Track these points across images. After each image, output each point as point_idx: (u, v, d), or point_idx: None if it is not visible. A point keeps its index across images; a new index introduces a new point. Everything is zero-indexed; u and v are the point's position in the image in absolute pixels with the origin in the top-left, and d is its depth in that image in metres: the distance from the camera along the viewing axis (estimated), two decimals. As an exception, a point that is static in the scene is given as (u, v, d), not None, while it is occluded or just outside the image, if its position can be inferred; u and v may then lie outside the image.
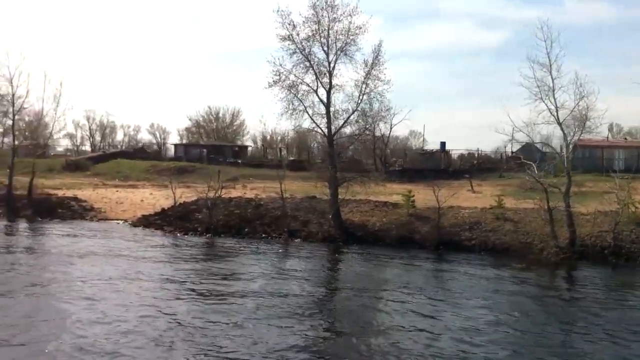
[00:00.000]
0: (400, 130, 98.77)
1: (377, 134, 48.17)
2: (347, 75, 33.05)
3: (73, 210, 42.88)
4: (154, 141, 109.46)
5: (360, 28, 32.00)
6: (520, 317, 18.38)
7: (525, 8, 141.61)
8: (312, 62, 32.32)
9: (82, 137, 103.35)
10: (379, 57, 32.31)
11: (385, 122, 33.44)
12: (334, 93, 32.86)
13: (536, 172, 28.50)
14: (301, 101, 32.31)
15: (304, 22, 32.26)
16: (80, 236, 33.62)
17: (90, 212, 42.65)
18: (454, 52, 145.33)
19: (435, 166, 54.04)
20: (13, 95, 43.82)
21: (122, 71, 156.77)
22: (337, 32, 32.21)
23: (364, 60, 32.41)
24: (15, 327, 15.71)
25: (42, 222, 39.96)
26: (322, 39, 32.23)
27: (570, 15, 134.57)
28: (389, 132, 51.29)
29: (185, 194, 41.43)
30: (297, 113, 32.40)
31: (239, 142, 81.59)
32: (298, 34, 31.82)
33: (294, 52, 32.29)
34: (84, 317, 16.85)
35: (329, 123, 32.91)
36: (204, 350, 14.34)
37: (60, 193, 46.85)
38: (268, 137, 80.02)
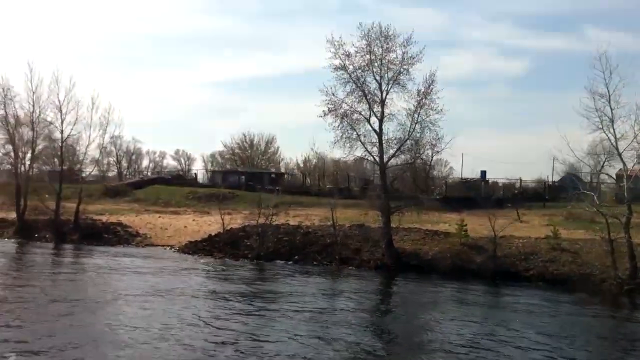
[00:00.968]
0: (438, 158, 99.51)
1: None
2: (399, 104, 33.55)
3: (119, 236, 43.64)
4: (179, 167, 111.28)
5: (414, 58, 32.60)
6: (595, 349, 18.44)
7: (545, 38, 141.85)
8: (365, 91, 32.89)
9: (108, 163, 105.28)
10: (432, 86, 32.80)
11: (438, 151, 33.46)
12: (386, 121, 33.35)
13: (597, 201, 28.49)
14: (354, 130, 32.81)
15: (356, 52, 32.94)
16: (133, 265, 34.18)
17: (136, 238, 43.37)
18: (476, 81, 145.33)
19: (476, 195, 54.06)
20: (62, 121, 45.01)
21: (145, 96, 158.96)
22: (389, 61, 32.82)
23: (418, 90, 32.92)
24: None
25: (90, 247, 40.66)
26: (374, 68, 32.82)
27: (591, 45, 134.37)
28: (430, 160, 51.57)
29: (231, 221, 42.09)
30: (350, 141, 32.88)
31: (274, 169, 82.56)
32: (353, 64, 32.51)
33: (347, 82, 32.92)
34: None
35: (381, 152, 33.30)
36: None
37: (104, 219, 47.78)
38: (301, 164, 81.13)
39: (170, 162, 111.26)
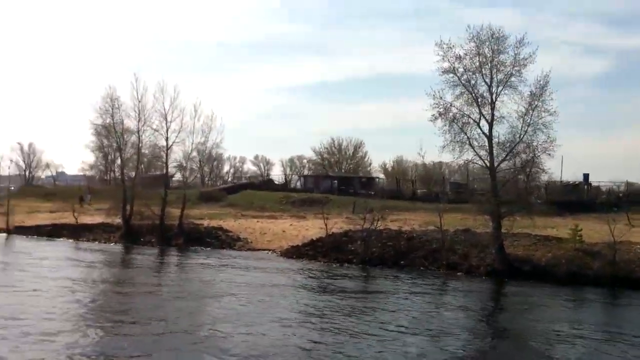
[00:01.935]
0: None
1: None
2: (509, 106, 33.14)
3: (221, 240, 45.04)
4: (259, 172, 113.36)
5: (526, 59, 32.17)
6: None
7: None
8: (474, 94, 32.72)
9: (190, 169, 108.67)
10: (546, 87, 32.24)
11: (550, 154, 32.75)
12: (495, 124, 33.02)
13: None
14: (465, 133, 32.66)
15: (465, 54, 32.81)
16: (242, 267, 35.17)
17: (238, 242, 44.59)
18: (559, 81, 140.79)
19: (579, 198, 52.62)
20: (167, 129, 46.95)
21: (219, 102, 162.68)
22: (500, 63, 32.50)
23: (530, 92, 32.43)
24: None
25: (195, 251, 42.20)
26: (484, 70, 32.60)
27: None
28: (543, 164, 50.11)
29: (333, 225, 42.67)
30: (460, 145, 32.75)
31: (362, 173, 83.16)
32: (464, 67, 32.40)
33: (457, 85, 32.85)
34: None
35: (491, 156, 32.94)
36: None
37: (205, 223, 49.42)
38: (390, 168, 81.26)
39: (250, 168, 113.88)
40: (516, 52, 32.16)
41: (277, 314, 21.74)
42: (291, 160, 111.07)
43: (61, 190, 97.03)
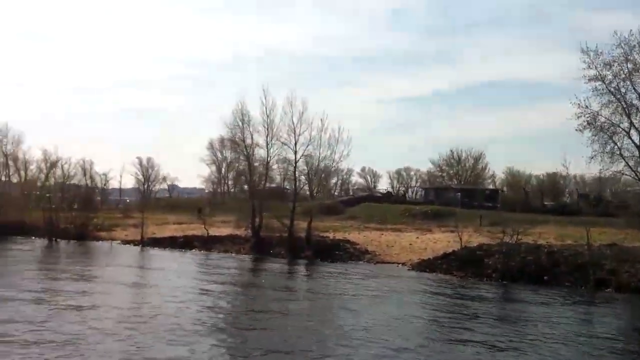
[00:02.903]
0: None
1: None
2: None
3: (350, 253, 45.64)
4: (366, 184, 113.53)
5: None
6: None
7: None
8: (624, 103, 31.68)
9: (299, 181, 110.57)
10: None
11: None
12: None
13: None
14: (615, 143, 31.67)
15: (612, 60, 31.86)
16: (376, 280, 35.51)
17: (366, 255, 45.07)
18: None
19: None
20: (295, 143, 48.37)
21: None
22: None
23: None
24: None
25: (324, 264, 42.96)
26: (634, 78, 31.51)
27: None
28: None
29: (469, 238, 42.35)
30: (609, 156, 31.77)
31: (482, 185, 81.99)
32: (613, 75, 31.48)
33: (604, 93, 31.94)
34: None
35: (644, 166, 31.87)
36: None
37: (330, 236, 50.39)
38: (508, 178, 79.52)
39: (357, 180, 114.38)
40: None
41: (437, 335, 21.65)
42: (398, 172, 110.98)
43: (183, 202, 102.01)
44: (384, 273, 38.10)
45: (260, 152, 50.98)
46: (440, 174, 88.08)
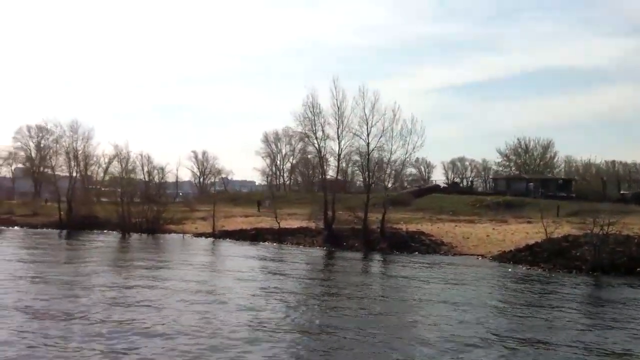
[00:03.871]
0: None
1: None
2: None
3: (426, 245, 45.56)
4: (419, 175, 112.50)
5: None
6: None
7: None
8: None
9: (353, 173, 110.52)
10: None
11: None
12: None
13: None
14: None
15: None
16: (458, 272, 35.34)
17: (443, 247, 44.94)
18: None
19: None
20: (368, 134, 48.50)
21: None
22: None
23: None
24: None
25: (401, 256, 42.82)
26: None
27: None
28: None
29: (539, 230, 41.86)
30: None
31: (550, 175, 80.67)
32: None
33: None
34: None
35: None
36: None
37: (403, 227, 50.44)
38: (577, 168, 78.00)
39: (410, 171, 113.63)
40: None
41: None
42: (453, 162, 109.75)
43: (242, 195, 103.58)
44: (465, 265, 37.81)
45: (330, 144, 51.23)
46: (507, 163, 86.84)
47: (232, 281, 29.77)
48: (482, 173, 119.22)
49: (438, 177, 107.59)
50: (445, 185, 76.27)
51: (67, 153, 71.08)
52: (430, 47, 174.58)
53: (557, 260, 36.56)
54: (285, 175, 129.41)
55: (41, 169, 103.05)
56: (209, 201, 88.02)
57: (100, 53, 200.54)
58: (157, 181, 72.16)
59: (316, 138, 50.62)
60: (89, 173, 74.98)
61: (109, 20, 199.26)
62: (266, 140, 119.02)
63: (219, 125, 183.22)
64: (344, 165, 53.84)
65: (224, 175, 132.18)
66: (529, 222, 50.66)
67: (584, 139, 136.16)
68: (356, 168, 61.10)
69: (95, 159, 76.38)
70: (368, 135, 48.25)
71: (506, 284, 31.13)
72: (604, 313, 23.64)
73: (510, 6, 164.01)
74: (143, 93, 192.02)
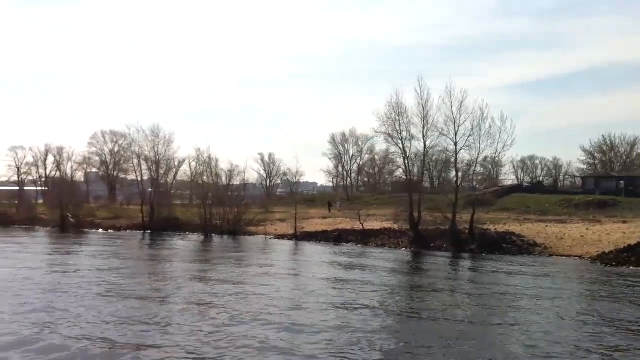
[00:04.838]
0: None
1: None
2: None
3: (518, 246, 44.80)
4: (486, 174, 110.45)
5: None
6: None
7: None
8: None
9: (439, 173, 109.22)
10: None
11: None
12: None
13: None
14: None
15: None
16: (563, 275, 34.70)
17: (536, 248, 44.06)
18: None
19: None
20: (455, 133, 48.06)
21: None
22: None
23: None
24: None
25: (493, 257, 42.22)
26: None
27: None
28: None
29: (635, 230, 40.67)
30: None
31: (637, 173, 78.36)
32: None
33: None
34: None
35: None
36: None
37: (491, 228, 49.77)
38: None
39: (478, 170, 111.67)
40: None
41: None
42: (523, 161, 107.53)
43: (311, 197, 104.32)
44: (566, 267, 36.85)
45: (414, 145, 51.09)
46: (592, 161, 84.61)
47: (338, 281, 30.05)
48: (553, 172, 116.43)
49: (506, 176, 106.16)
50: (528, 184, 74.91)
51: (146, 157, 73.25)
52: (491, 45, 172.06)
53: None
54: (352, 176, 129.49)
55: (115, 172, 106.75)
56: (278, 203, 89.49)
57: (166, 59, 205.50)
58: (226, 183, 73.01)
59: (400, 138, 50.46)
60: (169, 176, 76.76)
61: (168, 27, 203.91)
62: (333, 141, 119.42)
63: (283, 126, 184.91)
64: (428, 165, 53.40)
65: (290, 177, 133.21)
66: (624, 222, 49.26)
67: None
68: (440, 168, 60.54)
69: (177, 162, 78.60)
70: (456, 134, 47.71)
71: (623, 290, 30.04)
72: None
73: (572, 1, 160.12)
74: (208, 96, 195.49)
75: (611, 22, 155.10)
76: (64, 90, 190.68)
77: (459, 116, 47.47)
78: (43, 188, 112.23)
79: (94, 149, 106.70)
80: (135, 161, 75.71)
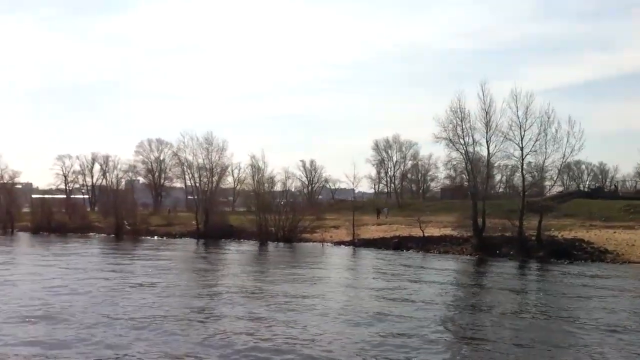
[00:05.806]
0: None
1: None
2: None
3: (588, 253, 44.08)
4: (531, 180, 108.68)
5: None
6: None
7: None
8: None
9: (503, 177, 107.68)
10: None
11: None
12: None
13: None
14: None
15: None
16: None
17: (608, 255, 43.32)
18: None
19: None
20: (522, 138, 47.85)
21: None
22: None
23: None
24: None
25: (562, 264, 41.51)
26: None
27: None
28: None
29: None
30: None
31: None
32: None
33: None
34: None
35: None
36: None
37: (558, 234, 49.18)
38: None
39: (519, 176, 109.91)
40: None
41: None
42: (568, 166, 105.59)
43: (367, 203, 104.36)
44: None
45: (477, 150, 50.95)
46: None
47: (416, 292, 30.04)
48: (600, 177, 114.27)
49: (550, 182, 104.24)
50: (588, 189, 73.99)
51: (199, 165, 74.19)
52: (531, 48, 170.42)
53: None
54: (396, 182, 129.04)
55: (162, 180, 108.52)
56: (327, 210, 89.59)
57: (211, 68, 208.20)
58: (268, 190, 73.27)
59: (463, 144, 50.28)
60: (222, 183, 77.62)
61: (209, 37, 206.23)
62: (376, 147, 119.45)
63: (320, 133, 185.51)
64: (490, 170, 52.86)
65: (331, 184, 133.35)
66: None
67: None
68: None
69: (231, 169, 79.72)
70: (522, 139, 47.44)
71: None
72: None
73: (614, 3, 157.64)
74: (249, 104, 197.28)
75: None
76: (107, 100, 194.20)
77: (525, 120, 47.25)
78: (88, 196, 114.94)
79: (140, 157, 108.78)
80: (187, 169, 76.63)
